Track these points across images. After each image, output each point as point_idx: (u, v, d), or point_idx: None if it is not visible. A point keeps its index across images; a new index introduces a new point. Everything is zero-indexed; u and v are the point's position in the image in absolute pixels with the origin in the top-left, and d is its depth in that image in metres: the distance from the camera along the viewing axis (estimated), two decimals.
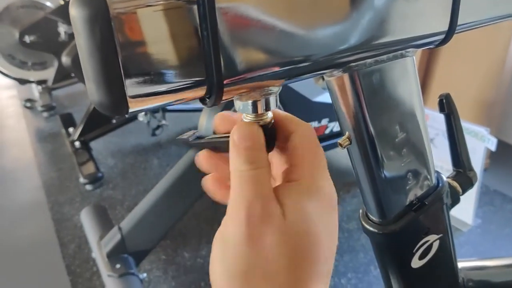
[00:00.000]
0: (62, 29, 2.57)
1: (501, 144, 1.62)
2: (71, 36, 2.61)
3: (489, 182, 1.84)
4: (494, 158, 1.90)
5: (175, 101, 0.31)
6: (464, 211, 1.62)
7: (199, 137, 0.41)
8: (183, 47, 0.29)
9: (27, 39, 2.66)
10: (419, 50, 0.44)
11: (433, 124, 1.58)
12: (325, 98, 1.46)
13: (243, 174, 0.33)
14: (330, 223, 0.33)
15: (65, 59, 2.00)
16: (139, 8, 0.27)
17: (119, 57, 0.27)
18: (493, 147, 1.47)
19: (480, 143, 1.48)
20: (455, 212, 1.64)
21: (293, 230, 0.31)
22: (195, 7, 0.28)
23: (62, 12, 2.54)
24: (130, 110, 0.29)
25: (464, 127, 1.55)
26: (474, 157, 1.51)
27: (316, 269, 0.32)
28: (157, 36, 0.28)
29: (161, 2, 0.27)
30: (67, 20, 2.58)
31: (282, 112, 0.38)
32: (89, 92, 0.29)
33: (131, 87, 0.28)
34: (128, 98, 0.28)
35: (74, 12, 0.27)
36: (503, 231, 1.61)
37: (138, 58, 0.27)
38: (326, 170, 0.35)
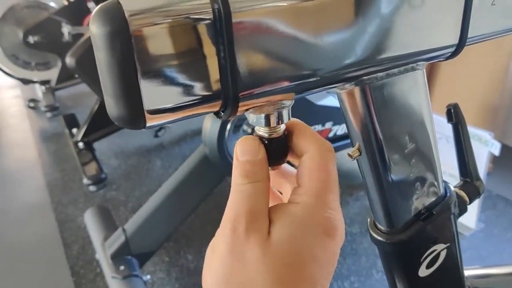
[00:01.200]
0: (65, 29, 2.58)
1: (504, 148, 1.62)
2: (74, 37, 2.62)
3: (492, 187, 1.84)
4: (497, 162, 1.90)
5: (191, 115, 0.31)
6: (467, 216, 1.62)
7: None
8: (199, 62, 0.29)
9: (31, 39, 2.66)
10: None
11: (436, 129, 1.57)
12: (329, 101, 1.46)
13: (238, 188, 0.34)
14: (322, 252, 0.33)
15: (69, 60, 2.00)
16: (158, 25, 0.27)
17: (138, 73, 0.27)
18: (496, 152, 1.47)
19: (483, 147, 1.48)
20: None
21: (276, 249, 0.32)
22: (211, 22, 0.29)
23: (66, 12, 2.56)
24: (148, 125, 0.30)
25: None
26: (477, 161, 1.51)
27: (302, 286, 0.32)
28: (174, 52, 0.28)
29: (179, 19, 0.28)
30: (71, 21, 2.59)
31: (298, 124, 0.38)
32: (107, 106, 0.29)
33: (149, 102, 0.28)
34: (145, 112, 0.28)
35: (95, 28, 0.27)
36: (506, 235, 1.61)
37: (156, 74, 0.28)
38: (333, 199, 0.34)
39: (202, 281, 0.34)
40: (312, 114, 1.43)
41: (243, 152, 0.35)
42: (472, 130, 1.49)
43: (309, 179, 0.34)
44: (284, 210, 0.34)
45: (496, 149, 1.46)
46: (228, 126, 1.30)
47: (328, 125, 1.47)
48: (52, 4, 2.80)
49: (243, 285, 0.31)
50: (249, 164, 0.34)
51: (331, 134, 1.49)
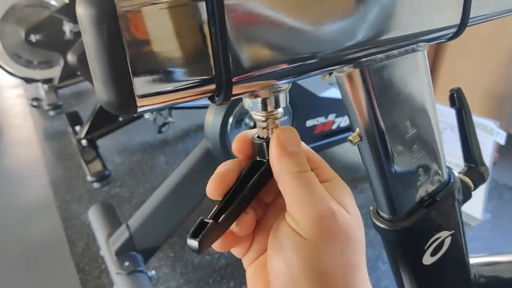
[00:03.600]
0: (67, 27, 2.57)
1: (510, 137, 1.60)
2: (76, 35, 2.61)
3: (498, 176, 1.82)
4: (503, 152, 1.89)
5: (184, 99, 0.30)
6: (474, 206, 1.60)
7: None
8: (191, 44, 0.28)
9: (33, 38, 2.66)
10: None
11: (441, 118, 1.56)
12: (332, 93, 1.45)
13: (298, 175, 0.33)
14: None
15: (71, 58, 2.00)
16: (146, 6, 0.26)
17: (127, 55, 0.26)
18: (502, 141, 1.45)
19: (489, 136, 1.47)
20: (464, 206, 1.63)
21: (357, 223, 0.33)
22: (203, 4, 0.28)
23: (68, 10, 2.54)
24: (139, 110, 0.29)
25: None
26: (483, 150, 1.49)
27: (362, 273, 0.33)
28: (165, 34, 0.27)
29: (169, 0, 0.27)
30: (73, 19, 2.58)
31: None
32: (97, 91, 0.29)
33: (140, 86, 0.27)
34: (136, 97, 0.28)
35: (81, 11, 0.26)
36: None
37: (146, 57, 0.27)
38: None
39: (273, 270, 0.33)
40: (315, 106, 1.42)
41: (291, 142, 0.34)
42: (477, 119, 1.47)
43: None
44: (334, 187, 0.35)
45: (501, 138, 1.45)
46: (230, 120, 1.29)
47: (331, 117, 1.46)
48: (53, 2, 2.80)
49: (340, 268, 0.31)
50: (301, 155, 0.34)
51: (334, 126, 1.48)
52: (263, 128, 0.36)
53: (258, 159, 0.36)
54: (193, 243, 0.31)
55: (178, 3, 0.27)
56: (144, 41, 0.27)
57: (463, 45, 1.83)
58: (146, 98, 0.28)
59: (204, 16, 0.28)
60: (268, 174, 0.34)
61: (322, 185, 0.34)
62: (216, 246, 0.35)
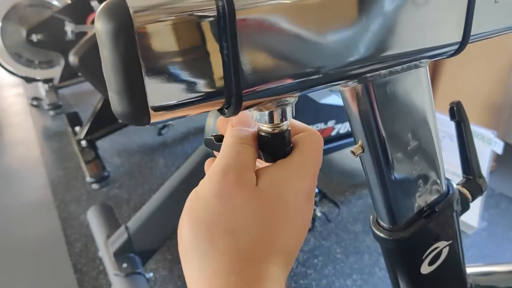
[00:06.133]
0: (69, 28, 2.58)
1: (507, 147, 1.62)
2: (78, 35, 2.62)
3: (495, 185, 1.84)
4: (500, 161, 1.90)
5: (195, 111, 0.31)
6: (470, 214, 1.62)
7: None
8: (203, 59, 0.29)
9: (34, 37, 2.67)
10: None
11: (440, 127, 1.58)
12: (332, 100, 1.46)
13: (229, 144, 0.35)
14: (302, 209, 0.35)
15: (72, 58, 2.00)
16: (162, 22, 0.27)
17: (142, 69, 0.27)
18: (499, 150, 1.47)
19: (486, 146, 1.48)
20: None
21: (263, 195, 0.33)
22: (215, 19, 0.29)
23: (69, 11, 2.55)
24: (152, 121, 0.30)
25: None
26: (480, 160, 1.51)
27: (280, 239, 0.33)
28: (178, 49, 0.28)
29: (183, 16, 0.28)
30: (74, 19, 2.59)
31: (298, 122, 0.40)
32: (111, 102, 0.30)
33: (153, 98, 0.28)
34: (150, 109, 0.29)
35: (100, 25, 0.27)
36: (509, 234, 1.61)
37: (160, 70, 0.28)
38: (316, 176, 0.36)
39: (178, 232, 0.34)
40: (315, 112, 1.43)
41: (239, 120, 0.37)
42: (475, 128, 1.49)
43: (304, 144, 0.37)
44: (274, 166, 0.36)
45: (499, 148, 1.46)
46: None
47: (330, 123, 1.47)
48: (55, 2, 2.81)
49: (227, 229, 0.32)
50: (243, 131, 0.37)
51: (333, 133, 1.49)
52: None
53: None
54: None
55: (192, 19, 0.28)
56: (158, 55, 0.28)
57: (463, 56, 1.83)
58: (159, 110, 0.29)
59: (216, 31, 0.29)
60: None
61: (268, 166, 0.36)
62: None
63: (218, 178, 0.33)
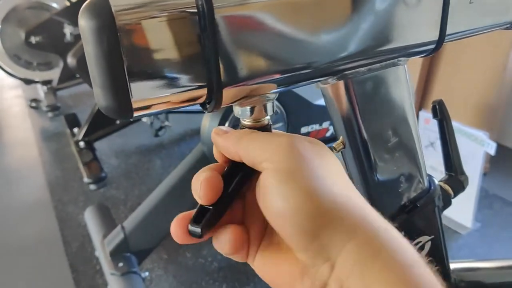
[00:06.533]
0: (67, 30, 2.60)
1: (501, 148, 1.63)
2: (76, 37, 2.64)
3: (488, 186, 1.85)
4: (494, 162, 1.91)
5: (177, 105, 0.33)
6: (464, 215, 1.63)
7: None
8: (185, 55, 0.31)
9: (33, 39, 2.68)
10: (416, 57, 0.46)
11: (433, 128, 1.59)
12: None
13: (242, 135, 0.35)
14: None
15: (71, 60, 2.02)
16: (144, 20, 0.29)
17: (125, 64, 0.29)
18: (492, 151, 1.48)
19: (479, 147, 1.49)
20: (455, 215, 1.66)
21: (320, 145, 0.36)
22: (196, 17, 0.30)
23: (68, 13, 2.57)
24: (135, 114, 0.31)
25: (464, 131, 1.55)
26: (473, 161, 1.52)
27: None
28: (160, 45, 0.30)
29: (164, 14, 0.29)
30: (73, 22, 2.60)
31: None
32: (96, 96, 0.31)
33: (136, 92, 0.30)
34: (132, 102, 0.30)
35: (83, 22, 0.29)
36: (502, 234, 1.62)
37: (142, 66, 0.29)
38: None
39: (274, 208, 0.32)
40: (309, 113, 1.44)
41: (219, 131, 0.38)
42: (468, 130, 1.50)
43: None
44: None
45: (492, 149, 1.48)
46: (226, 125, 1.32)
47: (325, 124, 1.48)
48: (54, 5, 2.82)
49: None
50: (230, 131, 0.37)
51: (328, 134, 1.51)
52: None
53: None
54: (196, 229, 0.34)
55: (173, 17, 0.30)
56: (140, 51, 0.29)
57: (457, 57, 1.86)
58: (142, 103, 0.30)
59: (197, 29, 0.31)
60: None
61: None
62: (227, 249, 0.36)
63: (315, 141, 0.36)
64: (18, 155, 2.45)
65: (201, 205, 0.35)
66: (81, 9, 0.29)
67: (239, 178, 0.36)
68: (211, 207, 0.34)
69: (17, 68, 2.82)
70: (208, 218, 0.34)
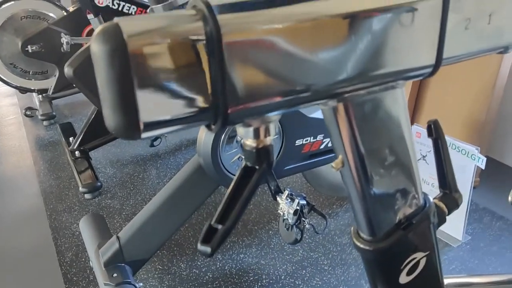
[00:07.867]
0: (64, 39, 2.60)
1: (491, 162, 1.65)
2: (73, 47, 2.64)
3: (478, 200, 1.87)
4: (484, 176, 1.94)
5: (183, 127, 0.34)
6: (455, 228, 1.65)
7: None
8: (192, 79, 0.32)
9: (30, 48, 2.69)
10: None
11: (425, 142, 1.61)
12: (321, 114, 1.48)
13: None
14: None
15: (67, 70, 2.02)
16: (153, 45, 0.30)
17: (135, 88, 0.30)
18: (482, 165, 1.50)
19: (470, 161, 1.51)
20: (446, 228, 1.67)
21: None
22: (203, 43, 0.32)
23: (65, 23, 2.59)
24: (142, 135, 0.32)
25: (455, 145, 1.57)
26: (464, 175, 1.54)
27: None
28: (169, 69, 0.31)
29: (174, 39, 0.31)
30: (70, 31, 2.61)
31: None
32: (105, 117, 0.32)
33: (144, 114, 0.31)
34: (141, 124, 0.31)
35: (96, 47, 0.30)
36: (492, 248, 1.63)
37: (152, 90, 0.31)
38: None
39: None
40: (304, 126, 1.45)
41: None
42: (459, 144, 1.52)
43: None
44: None
45: (482, 163, 1.50)
46: (222, 137, 1.33)
47: (319, 137, 1.50)
48: (52, 14, 2.83)
49: None
50: None
51: (322, 146, 1.52)
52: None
53: (249, 165, 0.39)
54: (206, 248, 0.35)
55: (181, 42, 0.31)
56: (149, 75, 0.30)
57: (448, 73, 1.89)
58: (150, 125, 0.32)
59: (205, 54, 0.32)
60: (262, 178, 0.38)
61: None
62: None
63: None
64: (13, 164, 2.45)
65: (210, 224, 0.36)
66: (94, 35, 0.30)
67: (254, 182, 0.38)
68: (219, 226, 0.35)
69: (13, 77, 2.82)
70: (218, 238, 0.35)
